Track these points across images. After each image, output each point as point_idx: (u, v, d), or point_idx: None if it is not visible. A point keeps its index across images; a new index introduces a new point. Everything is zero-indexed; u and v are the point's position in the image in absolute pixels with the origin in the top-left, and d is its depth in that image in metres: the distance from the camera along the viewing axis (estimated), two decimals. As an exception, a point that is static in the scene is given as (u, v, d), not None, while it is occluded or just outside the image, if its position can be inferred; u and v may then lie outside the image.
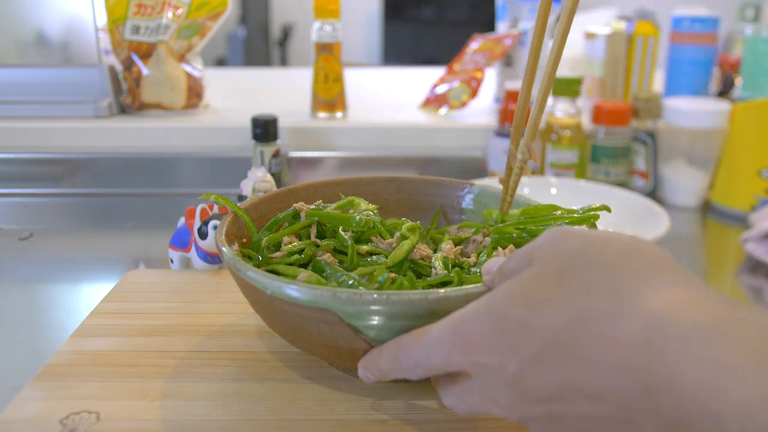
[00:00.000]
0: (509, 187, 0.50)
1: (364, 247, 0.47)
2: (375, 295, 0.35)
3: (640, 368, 0.26)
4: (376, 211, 0.49)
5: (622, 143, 0.88)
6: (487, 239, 0.49)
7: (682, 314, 0.26)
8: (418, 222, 0.49)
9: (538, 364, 0.29)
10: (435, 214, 0.57)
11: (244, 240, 0.48)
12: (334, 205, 0.50)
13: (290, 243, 0.47)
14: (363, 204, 0.51)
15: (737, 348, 0.24)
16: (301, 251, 0.46)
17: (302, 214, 0.49)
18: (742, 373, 0.23)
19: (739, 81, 1.03)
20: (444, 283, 0.43)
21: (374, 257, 0.46)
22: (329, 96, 0.97)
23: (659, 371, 0.25)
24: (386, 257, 0.46)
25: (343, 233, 0.47)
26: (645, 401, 0.26)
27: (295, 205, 0.50)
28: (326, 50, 0.95)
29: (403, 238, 0.47)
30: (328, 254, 0.46)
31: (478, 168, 0.95)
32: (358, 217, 0.47)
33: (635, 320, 0.27)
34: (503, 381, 0.30)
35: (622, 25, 1.01)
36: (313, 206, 0.50)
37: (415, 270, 0.46)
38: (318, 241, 0.48)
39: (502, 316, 0.30)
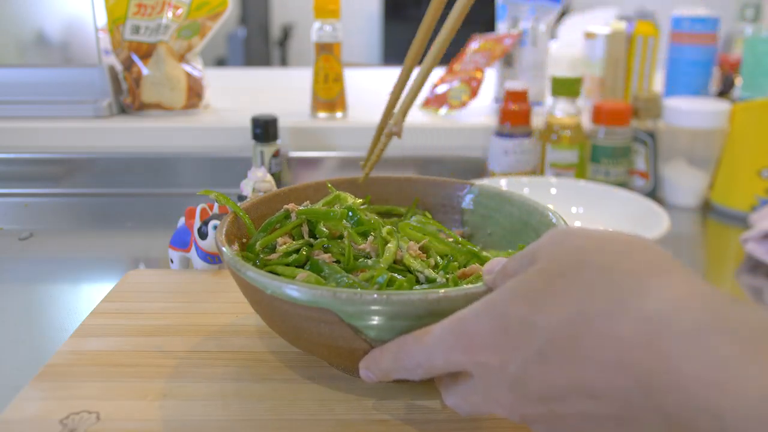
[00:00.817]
0: (374, 153, 0.56)
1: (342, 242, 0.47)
2: (375, 295, 0.35)
3: (640, 366, 0.26)
4: (359, 207, 0.50)
5: (622, 143, 0.88)
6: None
7: (681, 312, 0.26)
8: (391, 227, 0.49)
9: (539, 363, 0.29)
10: (421, 209, 0.57)
11: (244, 240, 0.48)
12: (321, 202, 0.51)
13: (284, 243, 0.47)
14: (349, 198, 0.51)
15: (737, 344, 0.24)
16: (297, 251, 0.46)
17: (293, 215, 0.49)
18: (741, 369, 0.23)
19: (739, 81, 1.03)
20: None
21: (368, 260, 0.46)
22: (329, 96, 0.97)
23: (659, 369, 0.25)
24: (374, 257, 0.46)
25: (323, 228, 0.48)
26: (646, 399, 0.26)
27: (286, 206, 0.50)
28: (326, 50, 0.95)
29: (384, 242, 0.46)
30: (328, 254, 0.46)
31: (478, 168, 0.95)
32: (335, 210, 0.48)
33: (635, 319, 0.27)
34: (505, 380, 0.30)
35: (622, 25, 1.01)
36: (302, 206, 0.50)
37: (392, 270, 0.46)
38: (312, 240, 0.48)
39: (504, 316, 0.30)
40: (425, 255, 0.48)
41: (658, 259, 0.29)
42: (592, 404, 0.28)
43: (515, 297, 0.31)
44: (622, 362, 0.26)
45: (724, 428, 0.23)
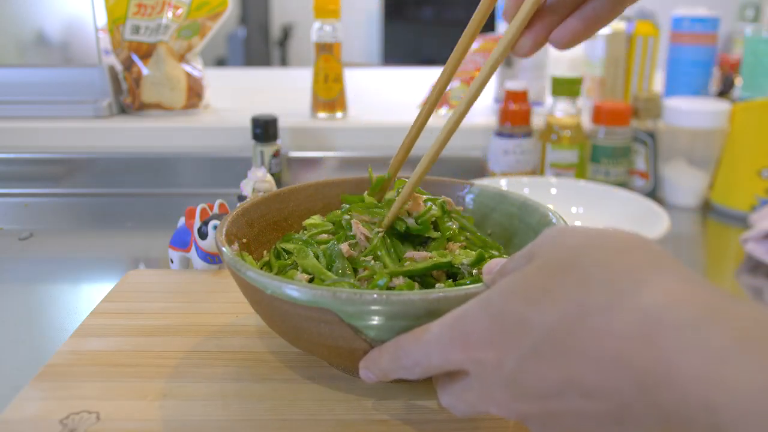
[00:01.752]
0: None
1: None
2: (375, 295, 0.35)
3: (635, 361, 0.26)
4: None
5: (622, 143, 0.88)
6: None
7: (678, 307, 0.26)
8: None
9: (535, 360, 0.29)
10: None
11: (244, 240, 0.48)
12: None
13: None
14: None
15: (732, 338, 0.24)
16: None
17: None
18: (736, 363, 0.23)
19: (739, 81, 1.03)
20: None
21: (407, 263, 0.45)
22: (329, 96, 0.97)
23: (655, 363, 0.25)
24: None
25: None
26: (641, 395, 0.26)
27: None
28: (326, 50, 0.95)
29: (442, 255, 0.45)
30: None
31: (478, 168, 0.95)
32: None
33: (631, 313, 0.27)
34: (501, 377, 0.30)
35: (622, 25, 1.01)
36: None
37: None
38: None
39: (501, 312, 0.30)
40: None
41: (655, 256, 0.29)
42: (587, 401, 0.27)
43: (511, 294, 0.30)
44: (617, 358, 0.26)
45: (718, 423, 0.23)
